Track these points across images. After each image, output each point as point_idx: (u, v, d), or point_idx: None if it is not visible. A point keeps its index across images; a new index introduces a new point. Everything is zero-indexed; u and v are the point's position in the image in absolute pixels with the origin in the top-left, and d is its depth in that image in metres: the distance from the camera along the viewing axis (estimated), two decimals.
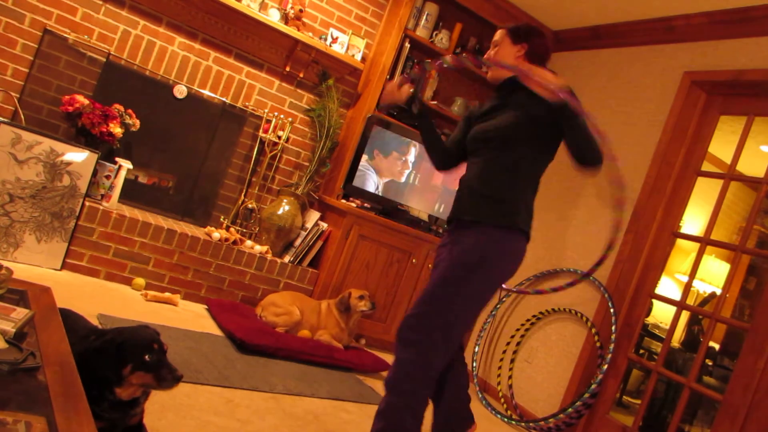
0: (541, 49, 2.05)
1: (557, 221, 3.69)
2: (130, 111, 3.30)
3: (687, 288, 3.15)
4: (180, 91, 3.54)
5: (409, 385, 1.82)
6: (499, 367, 3.67)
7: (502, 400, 3.53)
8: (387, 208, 3.87)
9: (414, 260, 3.82)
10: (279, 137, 3.82)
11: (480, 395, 3.51)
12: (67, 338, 1.41)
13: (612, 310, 3.13)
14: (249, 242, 3.59)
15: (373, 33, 4.04)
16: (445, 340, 1.84)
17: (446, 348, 1.84)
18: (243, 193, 3.80)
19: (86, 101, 3.13)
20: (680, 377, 3.06)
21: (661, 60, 3.41)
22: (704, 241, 3.08)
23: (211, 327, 3.02)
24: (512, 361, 3.62)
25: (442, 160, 2.23)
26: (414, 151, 3.91)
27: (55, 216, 2.97)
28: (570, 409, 3.05)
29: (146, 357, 1.38)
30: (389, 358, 3.56)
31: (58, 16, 3.24)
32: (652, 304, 3.55)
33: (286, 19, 3.63)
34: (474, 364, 3.73)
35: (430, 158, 2.25)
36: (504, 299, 3.80)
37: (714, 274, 4.66)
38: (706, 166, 3.24)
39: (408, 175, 3.94)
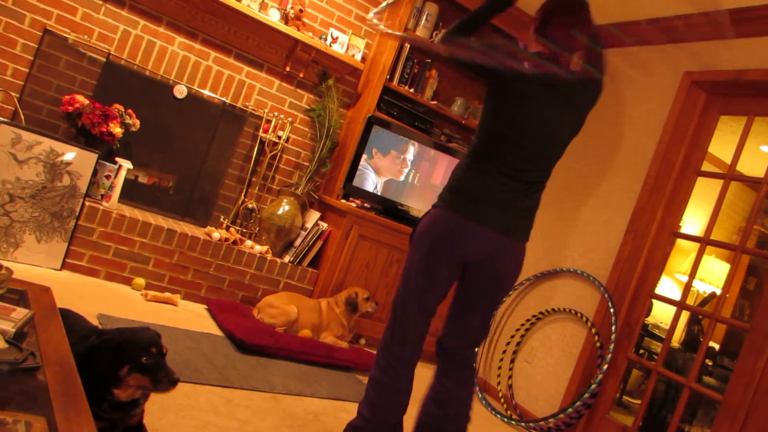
0: (537, 15, 1.93)
1: (557, 221, 3.69)
2: (130, 111, 3.30)
3: (687, 288, 3.15)
4: (180, 91, 3.54)
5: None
6: (499, 367, 3.67)
7: (502, 400, 3.54)
8: (387, 207, 3.87)
9: None
10: (279, 137, 3.82)
11: (480, 395, 3.51)
12: (67, 338, 1.41)
13: (612, 310, 3.13)
14: (249, 242, 3.59)
15: (373, 33, 4.04)
16: (394, 319, 1.99)
17: (397, 328, 1.97)
18: (243, 193, 3.80)
19: (86, 101, 3.13)
20: (680, 377, 3.06)
21: (661, 60, 3.41)
22: (704, 241, 3.08)
23: (211, 327, 3.02)
24: (512, 361, 3.62)
25: None
26: (413, 150, 3.91)
27: (55, 216, 2.97)
28: (570, 409, 3.05)
29: (144, 359, 1.38)
30: None
31: (58, 16, 3.24)
32: (652, 304, 3.55)
33: (286, 19, 3.63)
34: (474, 364, 3.72)
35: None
36: (504, 299, 3.79)
37: (714, 274, 4.66)
38: (706, 166, 3.24)
39: (407, 174, 3.94)
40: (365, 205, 3.81)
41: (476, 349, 2.09)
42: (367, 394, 1.98)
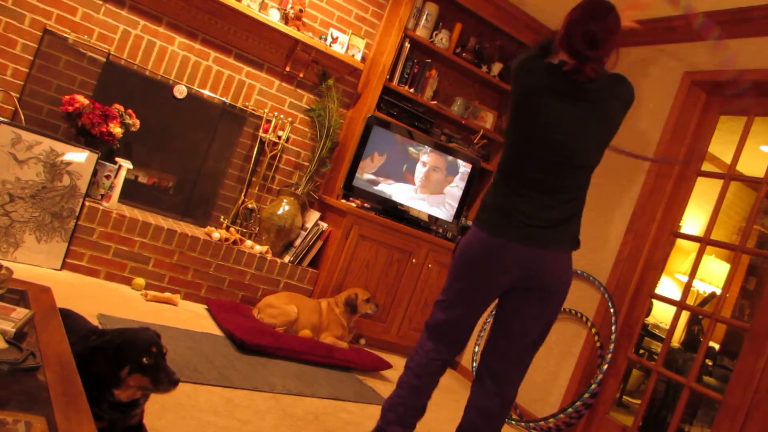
0: (562, 24, 1.97)
1: None
2: (130, 111, 3.30)
3: (687, 288, 3.15)
4: (180, 91, 3.54)
5: None
6: None
7: None
8: (387, 208, 3.87)
9: (414, 260, 3.82)
10: (279, 137, 3.82)
11: None
12: (67, 338, 1.41)
13: (612, 310, 3.13)
14: (249, 242, 3.59)
15: (373, 33, 4.04)
16: (427, 328, 2.08)
17: (428, 337, 2.06)
18: (243, 193, 3.80)
19: (86, 101, 3.13)
20: (680, 377, 3.06)
21: (661, 60, 3.41)
22: (704, 241, 3.08)
23: (211, 327, 3.02)
24: None
25: None
26: (413, 150, 3.91)
27: (55, 216, 2.97)
28: (570, 409, 3.05)
29: (144, 360, 1.38)
30: (389, 358, 3.56)
31: (58, 16, 3.24)
32: (652, 304, 3.55)
33: (286, 19, 3.63)
34: (474, 364, 3.73)
35: None
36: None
37: (714, 274, 4.66)
38: (706, 166, 3.24)
39: (407, 174, 3.94)
40: (365, 205, 3.81)
41: (513, 385, 2.03)
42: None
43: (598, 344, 3.16)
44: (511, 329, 1.99)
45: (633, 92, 1.92)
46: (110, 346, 1.39)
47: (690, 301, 4.41)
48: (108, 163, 3.21)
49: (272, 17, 3.55)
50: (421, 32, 3.95)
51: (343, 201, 3.75)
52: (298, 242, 3.72)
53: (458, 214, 4.07)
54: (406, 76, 3.99)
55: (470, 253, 1.97)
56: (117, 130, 3.16)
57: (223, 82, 3.67)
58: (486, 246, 1.93)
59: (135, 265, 3.20)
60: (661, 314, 4.62)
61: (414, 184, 3.96)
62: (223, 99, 3.67)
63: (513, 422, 3.25)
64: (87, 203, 3.05)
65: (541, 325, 1.99)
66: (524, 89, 1.91)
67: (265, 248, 3.58)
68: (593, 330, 3.20)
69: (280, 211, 3.68)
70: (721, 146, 3.59)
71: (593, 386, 3.04)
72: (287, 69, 3.78)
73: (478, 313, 2.03)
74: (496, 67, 4.24)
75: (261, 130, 3.77)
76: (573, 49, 1.81)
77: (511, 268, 1.92)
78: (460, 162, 4.03)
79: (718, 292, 4.51)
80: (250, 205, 3.78)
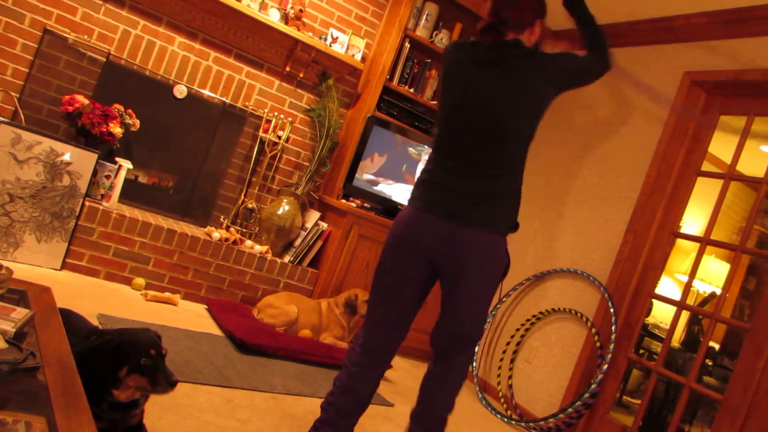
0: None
1: (557, 221, 3.69)
2: (130, 111, 3.30)
3: (687, 288, 3.15)
4: (180, 91, 3.54)
5: None
6: (499, 367, 3.67)
7: (502, 400, 3.54)
8: (387, 207, 3.87)
9: None
10: (279, 137, 3.82)
11: (480, 395, 3.51)
12: (67, 338, 1.41)
13: (612, 310, 3.13)
14: (249, 242, 3.59)
15: (373, 33, 4.04)
16: (368, 315, 2.03)
17: (370, 322, 2.01)
18: (243, 193, 3.80)
19: (86, 101, 3.13)
20: (680, 377, 3.06)
21: (661, 60, 3.41)
22: (704, 241, 3.08)
23: (211, 327, 3.02)
24: (512, 361, 3.62)
25: None
26: (413, 150, 3.91)
27: (55, 216, 2.97)
28: (570, 409, 3.05)
29: (143, 360, 1.38)
30: None
31: (58, 16, 3.24)
32: (652, 304, 3.55)
33: (286, 19, 3.63)
34: (474, 364, 3.73)
35: None
36: (504, 299, 3.80)
37: (714, 274, 4.66)
38: (706, 166, 3.24)
39: (407, 174, 3.94)
40: (365, 205, 3.81)
41: (469, 351, 1.97)
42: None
43: (598, 344, 3.16)
44: (445, 307, 1.94)
45: (561, 63, 1.89)
46: (109, 347, 1.39)
47: (690, 301, 4.41)
48: (108, 163, 3.21)
49: (272, 17, 3.55)
50: (421, 32, 3.95)
51: (343, 201, 3.75)
52: (298, 242, 3.72)
53: None
54: (406, 76, 3.99)
55: (395, 229, 1.94)
56: (117, 130, 3.16)
57: (223, 82, 3.67)
58: (410, 220, 1.90)
59: (135, 265, 3.20)
60: (661, 314, 4.62)
61: (413, 184, 3.95)
62: (223, 99, 3.67)
63: (513, 422, 3.25)
64: (87, 203, 3.05)
65: (470, 303, 1.90)
66: (449, 66, 1.96)
67: (265, 248, 3.58)
68: (593, 330, 3.20)
69: (280, 211, 3.68)
70: (721, 146, 3.59)
71: (593, 386, 3.04)
72: (287, 69, 3.78)
73: (409, 293, 1.94)
74: None
75: (261, 130, 3.77)
76: (494, 9, 1.96)
77: (427, 241, 1.85)
78: None
79: (718, 292, 4.51)
80: (250, 205, 3.78)
